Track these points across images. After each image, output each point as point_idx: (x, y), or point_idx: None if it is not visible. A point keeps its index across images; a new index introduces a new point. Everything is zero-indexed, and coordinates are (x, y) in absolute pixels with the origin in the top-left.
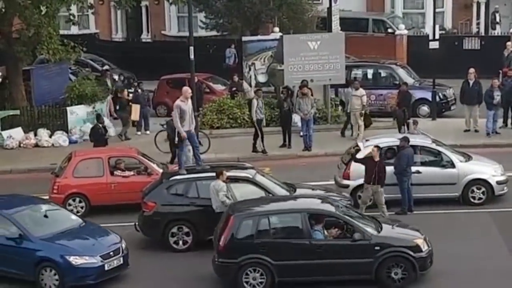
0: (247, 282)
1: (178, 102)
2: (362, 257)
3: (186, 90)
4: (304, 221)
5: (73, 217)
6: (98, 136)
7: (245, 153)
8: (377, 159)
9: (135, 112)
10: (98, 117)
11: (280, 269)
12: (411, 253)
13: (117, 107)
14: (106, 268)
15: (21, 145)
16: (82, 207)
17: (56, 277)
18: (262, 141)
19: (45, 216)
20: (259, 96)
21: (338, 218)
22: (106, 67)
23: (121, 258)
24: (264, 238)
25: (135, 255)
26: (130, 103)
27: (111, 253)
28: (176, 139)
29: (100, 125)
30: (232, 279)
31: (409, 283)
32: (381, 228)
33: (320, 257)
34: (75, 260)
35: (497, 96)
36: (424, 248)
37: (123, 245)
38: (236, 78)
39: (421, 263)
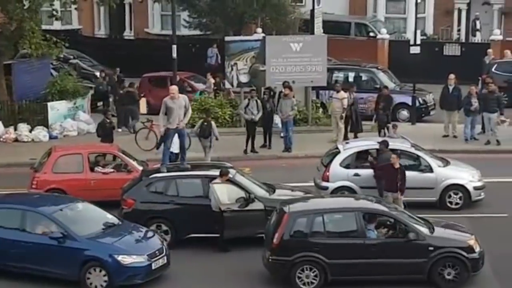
0: (300, 280)
1: (166, 98)
2: (415, 257)
3: (172, 88)
4: (358, 220)
5: (109, 215)
6: (105, 131)
7: (226, 153)
8: (397, 166)
9: (143, 105)
10: (106, 112)
11: (333, 268)
12: (465, 254)
13: (126, 101)
14: (153, 267)
15: (1, 139)
16: None
17: (105, 277)
18: (250, 141)
19: (83, 214)
20: (252, 96)
21: (393, 218)
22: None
23: (165, 257)
24: (318, 237)
25: None
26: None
27: (157, 252)
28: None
29: (107, 121)
30: (285, 277)
31: (461, 284)
32: (433, 229)
33: (374, 256)
34: (124, 259)
35: (475, 102)
36: (477, 249)
37: (165, 244)
38: (218, 78)
39: (474, 263)
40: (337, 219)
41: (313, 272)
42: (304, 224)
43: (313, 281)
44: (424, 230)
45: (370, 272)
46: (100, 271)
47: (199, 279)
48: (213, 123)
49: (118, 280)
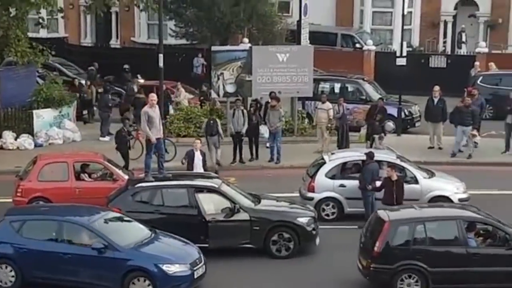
0: None
1: (145, 108)
2: None
3: (152, 96)
4: (460, 228)
5: (141, 225)
6: (120, 140)
7: (211, 163)
8: (394, 178)
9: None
10: (123, 120)
11: (435, 276)
12: None
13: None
14: (195, 276)
15: None
16: None
17: (150, 287)
18: (238, 152)
19: (119, 225)
20: (237, 106)
21: (495, 227)
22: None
23: (204, 266)
24: (420, 245)
25: None
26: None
27: (197, 260)
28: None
29: (125, 129)
30: (386, 285)
31: None
32: None
33: (476, 264)
34: (169, 268)
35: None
36: None
37: (202, 254)
38: (204, 88)
39: None
40: (438, 228)
41: (414, 280)
42: (405, 232)
43: None
44: None
45: (470, 281)
46: (145, 281)
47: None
48: (218, 121)
49: None
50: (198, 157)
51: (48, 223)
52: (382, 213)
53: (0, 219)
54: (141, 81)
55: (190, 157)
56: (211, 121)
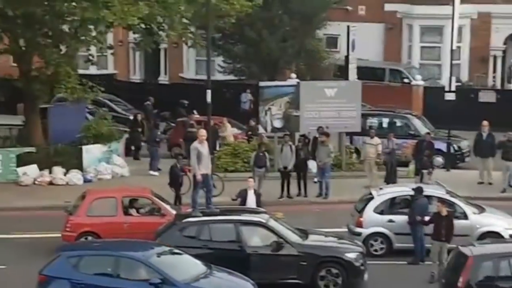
0: None
1: (195, 144)
2: None
3: (201, 132)
4: None
5: (196, 260)
6: (172, 175)
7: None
8: (444, 213)
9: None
10: (177, 156)
11: None
12: None
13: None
14: None
15: (36, 182)
16: None
17: None
18: (286, 188)
19: (175, 259)
20: (286, 141)
21: None
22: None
23: None
24: (506, 281)
25: None
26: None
27: None
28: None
29: (178, 166)
30: None
31: None
32: None
33: None
34: None
35: None
36: None
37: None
38: (252, 123)
39: None
40: None
41: None
42: (489, 268)
43: None
44: None
45: None
46: None
47: None
48: (267, 154)
49: None
50: (251, 197)
51: (105, 258)
52: (465, 249)
53: (56, 255)
54: (197, 116)
55: (242, 196)
56: (261, 153)
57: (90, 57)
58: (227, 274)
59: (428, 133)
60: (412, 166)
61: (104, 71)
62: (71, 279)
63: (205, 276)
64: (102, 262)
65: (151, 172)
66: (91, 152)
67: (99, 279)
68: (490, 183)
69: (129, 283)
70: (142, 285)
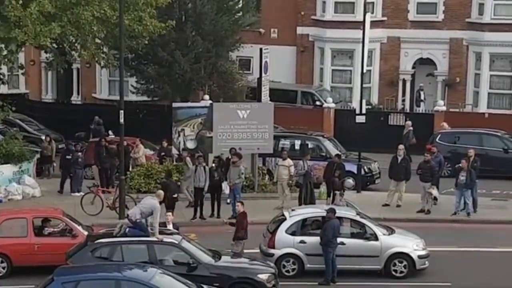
0: None
1: (157, 203)
2: None
3: (160, 193)
4: None
5: (189, 281)
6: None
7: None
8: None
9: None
10: (167, 178)
11: None
12: None
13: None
14: None
15: None
16: (3, 268)
17: None
18: (199, 209)
19: (171, 281)
20: (199, 162)
21: None
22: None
23: None
24: None
25: None
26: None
27: None
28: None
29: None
30: None
31: None
32: None
33: None
34: None
35: (462, 176)
36: None
37: None
38: (165, 144)
39: None
40: None
41: None
42: None
43: None
44: None
45: None
46: None
47: None
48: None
49: None
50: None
51: (105, 282)
52: None
53: (48, 279)
54: (112, 136)
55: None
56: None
57: (1, 76)
58: None
59: (338, 155)
60: (323, 188)
61: (15, 91)
62: None
63: None
64: (102, 286)
65: (73, 194)
66: (1, 172)
67: None
68: (398, 205)
69: None
70: None
